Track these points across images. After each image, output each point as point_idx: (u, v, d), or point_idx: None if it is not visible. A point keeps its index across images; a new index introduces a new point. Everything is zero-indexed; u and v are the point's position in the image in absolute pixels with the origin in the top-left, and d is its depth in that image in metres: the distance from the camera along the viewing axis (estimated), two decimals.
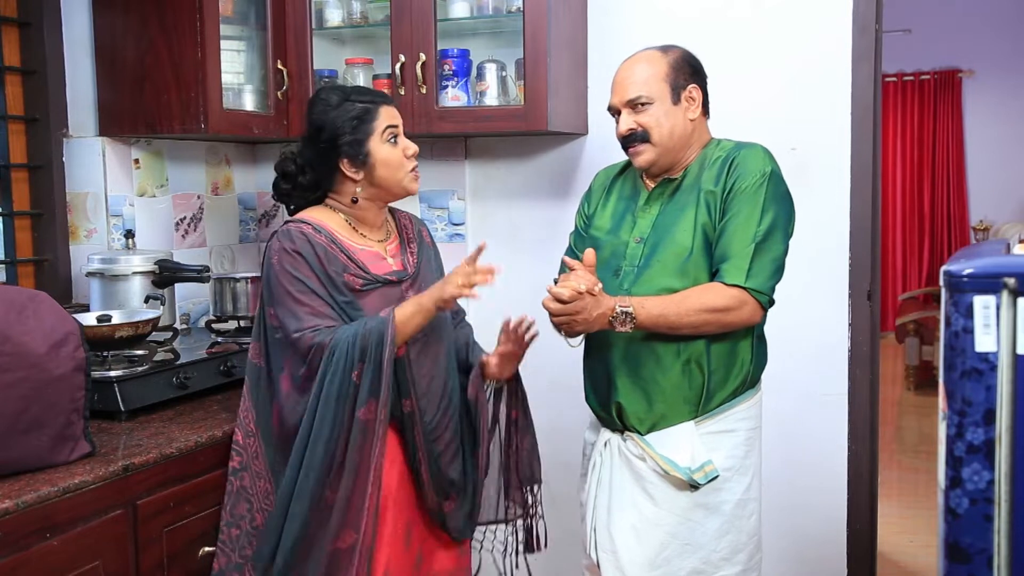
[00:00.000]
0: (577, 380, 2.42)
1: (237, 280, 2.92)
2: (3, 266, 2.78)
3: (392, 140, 2.17)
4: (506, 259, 3.26)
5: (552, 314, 2.13)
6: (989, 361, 1.37)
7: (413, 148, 2.21)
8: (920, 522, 4.42)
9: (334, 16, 3.14)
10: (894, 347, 7.91)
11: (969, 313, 1.38)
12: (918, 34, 8.57)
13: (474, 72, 3.02)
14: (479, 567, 2.50)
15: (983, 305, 1.37)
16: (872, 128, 2.94)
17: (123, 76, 2.81)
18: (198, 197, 3.20)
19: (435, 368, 2.21)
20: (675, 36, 3.04)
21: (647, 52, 2.28)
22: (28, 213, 2.86)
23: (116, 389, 2.26)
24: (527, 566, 2.49)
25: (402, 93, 2.88)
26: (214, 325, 2.97)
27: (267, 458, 2.14)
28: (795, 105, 2.98)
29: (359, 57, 3.20)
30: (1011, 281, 1.36)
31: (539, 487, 2.44)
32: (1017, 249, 1.51)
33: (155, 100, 2.77)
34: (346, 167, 2.15)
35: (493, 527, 2.44)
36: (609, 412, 2.27)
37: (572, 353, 2.37)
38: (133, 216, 2.94)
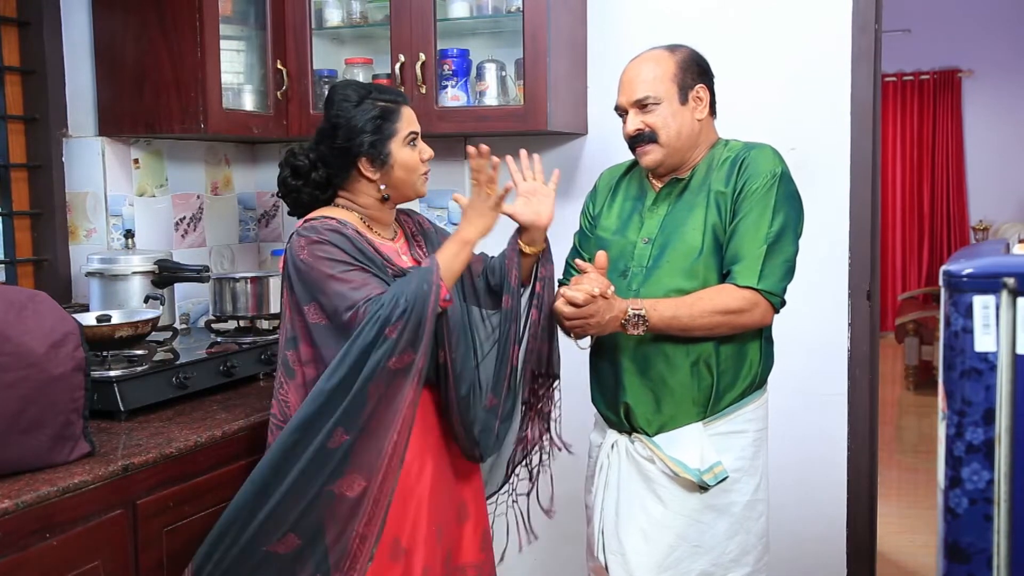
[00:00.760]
0: (580, 381, 2.41)
1: (237, 280, 2.91)
2: (3, 266, 2.78)
3: (412, 144, 2.17)
4: None
5: (565, 318, 2.12)
6: (988, 361, 1.37)
7: (430, 153, 2.20)
8: (920, 522, 4.42)
9: (334, 16, 3.14)
10: (893, 347, 7.91)
11: (969, 313, 1.38)
12: (918, 34, 8.57)
13: (474, 72, 3.02)
14: (503, 554, 2.49)
15: (983, 305, 1.37)
16: (872, 128, 2.94)
17: (123, 76, 2.81)
18: (198, 197, 3.20)
19: (456, 313, 2.20)
20: (675, 36, 3.04)
21: (655, 51, 2.28)
22: (28, 213, 2.86)
23: (116, 389, 2.26)
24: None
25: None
26: (214, 325, 2.96)
27: None
28: (795, 105, 2.98)
29: (359, 57, 3.20)
30: (1010, 281, 1.36)
31: (557, 381, 2.41)
32: (1016, 249, 1.52)
33: (155, 100, 2.77)
34: (364, 166, 2.13)
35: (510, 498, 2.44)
36: (617, 413, 2.27)
37: (575, 354, 2.36)
38: (133, 216, 2.94)
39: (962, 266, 1.39)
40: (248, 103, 3.00)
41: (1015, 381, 1.36)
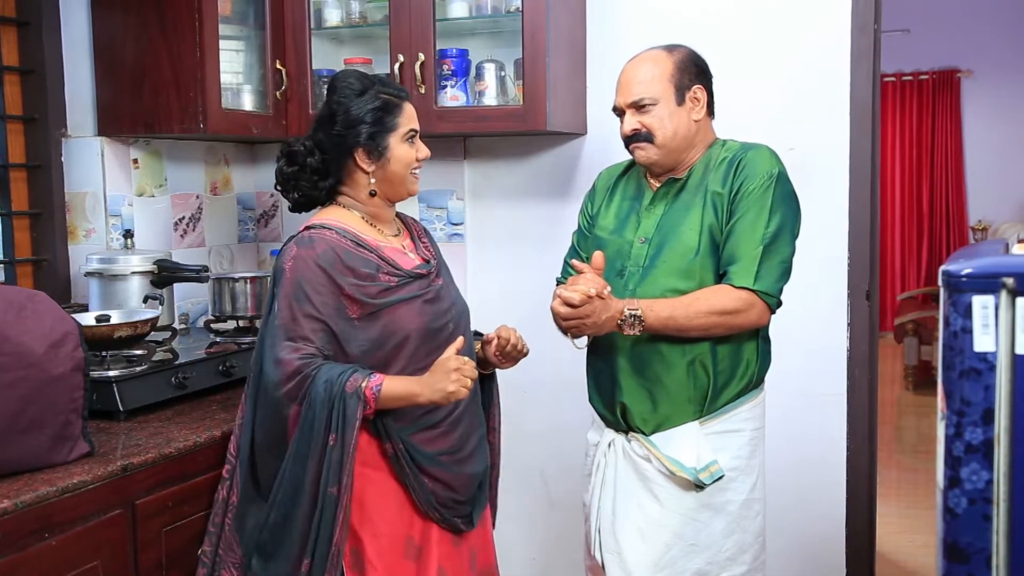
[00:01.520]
0: (578, 380, 2.42)
1: (236, 280, 2.92)
2: (2, 266, 2.78)
3: (410, 141, 2.16)
4: (505, 259, 3.28)
5: (561, 318, 2.12)
6: (988, 361, 1.37)
7: (426, 152, 2.19)
8: (919, 522, 4.42)
9: (333, 16, 3.14)
10: (893, 347, 7.91)
11: (968, 313, 1.38)
12: (917, 34, 8.57)
13: (473, 72, 3.02)
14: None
15: (982, 305, 1.37)
16: (871, 128, 2.94)
17: (122, 76, 2.81)
18: (197, 197, 3.20)
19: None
20: (674, 36, 3.04)
21: (652, 52, 2.28)
22: (27, 213, 2.85)
23: (115, 389, 2.26)
24: None
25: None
26: (213, 325, 2.97)
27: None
28: (794, 105, 2.98)
29: (358, 57, 3.20)
30: (1010, 281, 1.36)
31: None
32: (1016, 249, 1.51)
33: (154, 100, 2.77)
34: (361, 157, 2.11)
35: None
36: (614, 412, 2.27)
37: (573, 353, 2.36)
38: (132, 216, 2.94)
39: (961, 266, 1.39)
40: (247, 103, 3.00)
41: (1014, 381, 1.36)
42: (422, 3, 2.87)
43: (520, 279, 3.24)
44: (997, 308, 1.36)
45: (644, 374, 2.21)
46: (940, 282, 1.43)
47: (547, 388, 3.20)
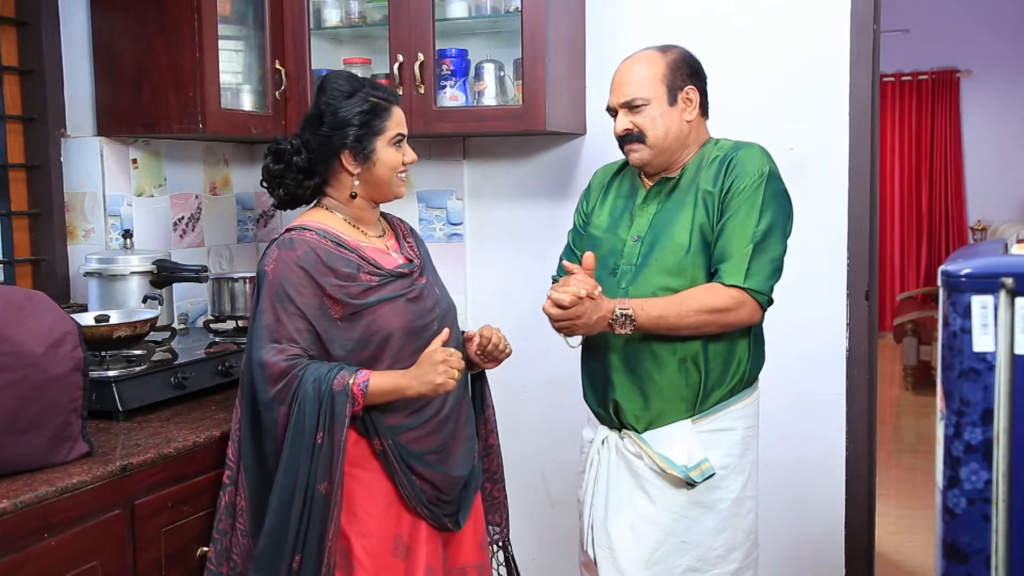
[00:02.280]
0: (575, 378, 2.42)
1: (235, 280, 2.92)
2: (1, 266, 2.78)
3: (397, 145, 2.17)
4: (505, 259, 3.28)
5: (553, 319, 2.13)
6: (987, 361, 1.37)
7: (413, 156, 2.20)
8: (918, 522, 4.42)
9: (332, 16, 3.14)
10: (892, 347, 7.91)
11: (967, 313, 1.38)
12: (916, 34, 8.58)
13: (472, 72, 3.02)
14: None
15: (981, 305, 1.37)
16: (870, 128, 2.94)
17: (121, 76, 2.81)
18: (196, 197, 3.20)
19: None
20: (673, 36, 3.04)
21: (646, 52, 2.29)
22: (26, 213, 2.85)
23: (114, 389, 2.26)
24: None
25: (400, 93, 2.88)
26: (212, 325, 2.97)
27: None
28: (793, 105, 2.98)
29: (357, 57, 3.20)
30: (1009, 281, 1.36)
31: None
32: (1015, 249, 1.51)
33: (153, 100, 2.77)
34: (347, 158, 2.12)
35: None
36: (607, 410, 2.28)
37: (572, 352, 2.37)
38: (131, 216, 2.94)
39: (960, 266, 1.39)
40: (247, 103, 3.00)
41: (1013, 381, 1.36)
42: (421, 3, 2.87)
43: (519, 279, 3.24)
44: (996, 308, 1.37)
45: (636, 372, 2.22)
46: (939, 282, 1.43)
47: (547, 388, 3.20)
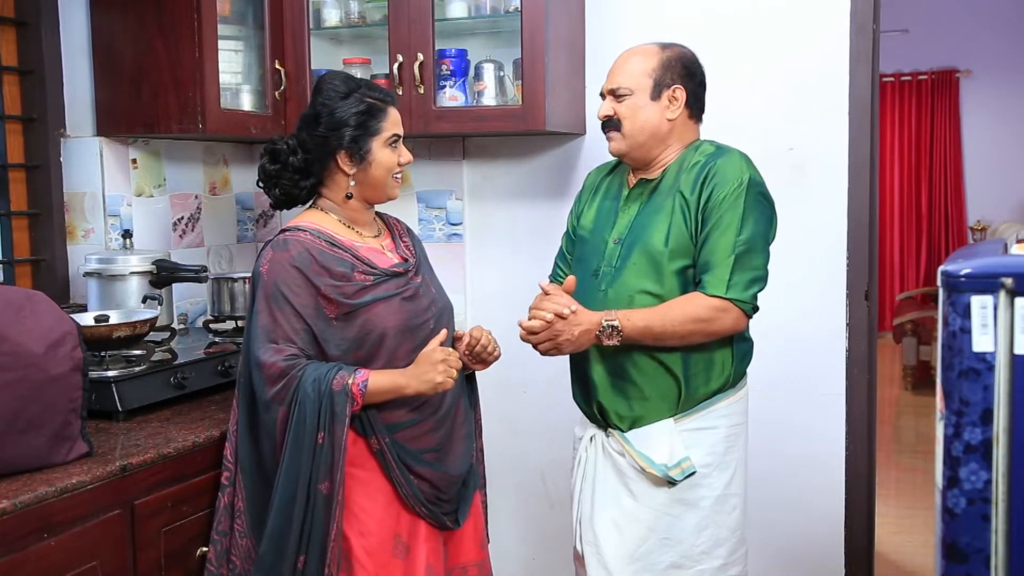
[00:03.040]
0: (568, 376, 2.43)
1: (235, 280, 2.92)
2: (1, 266, 2.78)
3: (393, 146, 2.17)
4: (504, 259, 3.28)
5: (533, 344, 2.17)
6: (986, 361, 1.38)
7: (408, 157, 2.21)
8: (918, 522, 4.42)
9: (332, 16, 3.14)
10: (891, 347, 7.91)
11: (966, 313, 1.38)
12: (915, 34, 8.58)
13: (472, 72, 3.02)
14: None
15: (980, 305, 1.37)
16: (870, 128, 2.94)
17: (121, 76, 2.81)
18: (196, 197, 3.20)
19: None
20: (673, 36, 3.04)
21: (646, 46, 2.31)
22: (26, 213, 2.85)
23: (114, 389, 2.26)
24: None
25: (400, 93, 2.88)
26: (212, 325, 2.97)
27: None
28: (793, 105, 2.98)
29: (357, 57, 3.20)
30: (1008, 281, 1.36)
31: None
32: (1014, 249, 1.51)
33: (153, 100, 2.77)
34: (342, 159, 2.13)
35: None
36: (592, 410, 2.32)
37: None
38: (131, 216, 2.94)
39: (960, 266, 1.40)
40: (246, 103, 3.00)
41: (1013, 381, 1.36)
42: (421, 3, 2.87)
43: (519, 279, 3.23)
44: (996, 308, 1.37)
45: (618, 375, 2.25)
46: (939, 282, 1.43)
47: (546, 387, 3.20)
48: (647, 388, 2.23)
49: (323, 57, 3.20)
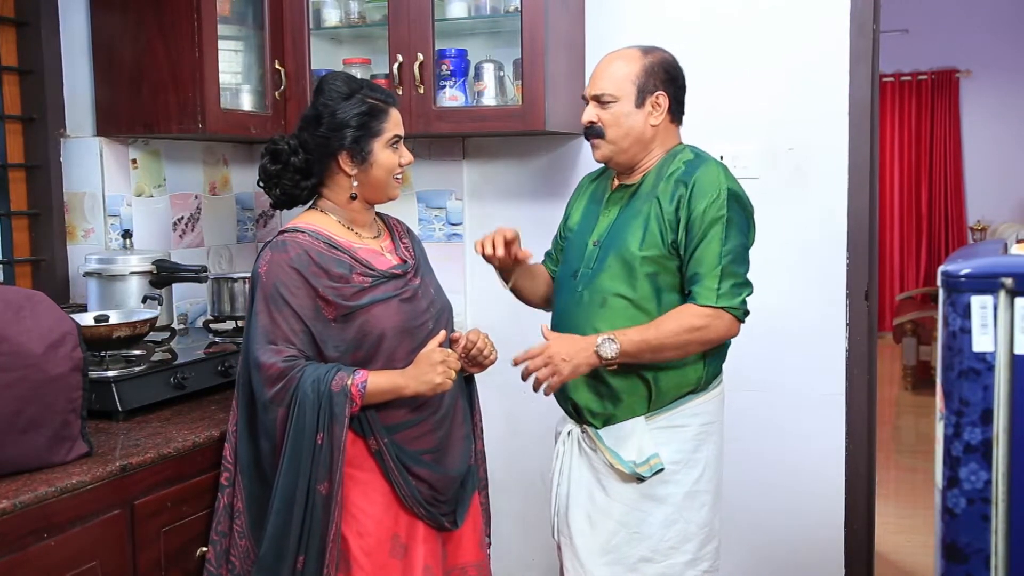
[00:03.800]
0: None
1: (235, 280, 2.91)
2: (1, 266, 2.78)
3: (394, 146, 2.18)
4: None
5: (528, 372, 2.20)
6: (986, 361, 1.38)
7: (409, 158, 2.21)
8: (917, 522, 4.42)
9: (332, 16, 3.14)
10: (891, 347, 7.91)
11: (966, 313, 1.38)
12: (915, 34, 8.58)
13: (472, 72, 3.02)
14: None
15: (980, 305, 1.37)
16: (870, 128, 2.94)
17: (121, 76, 2.81)
18: (196, 197, 3.20)
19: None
20: (673, 36, 3.04)
21: (628, 50, 2.33)
22: (25, 213, 2.85)
23: (114, 389, 2.26)
24: None
25: (400, 93, 2.88)
26: (212, 325, 2.96)
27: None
28: (793, 105, 2.98)
29: (357, 57, 3.20)
30: (1008, 281, 1.36)
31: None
32: (1014, 249, 1.52)
33: (153, 100, 2.77)
34: (344, 160, 2.13)
35: None
36: (568, 407, 2.37)
37: None
38: (131, 216, 2.94)
39: (960, 266, 1.40)
40: (246, 103, 3.00)
41: (1013, 381, 1.36)
42: (421, 3, 2.87)
43: None
44: (996, 308, 1.37)
45: (591, 375, 2.27)
46: (939, 282, 1.43)
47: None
48: (619, 388, 2.26)
49: (323, 57, 3.20)
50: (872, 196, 2.98)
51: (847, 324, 2.98)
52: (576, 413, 2.35)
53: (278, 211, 3.48)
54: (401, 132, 2.19)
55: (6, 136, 2.80)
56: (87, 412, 2.00)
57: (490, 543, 2.44)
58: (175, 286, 2.83)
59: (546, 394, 2.24)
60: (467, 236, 3.29)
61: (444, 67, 2.97)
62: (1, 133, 2.79)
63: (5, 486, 1.81)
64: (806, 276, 2.98)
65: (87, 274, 2.70)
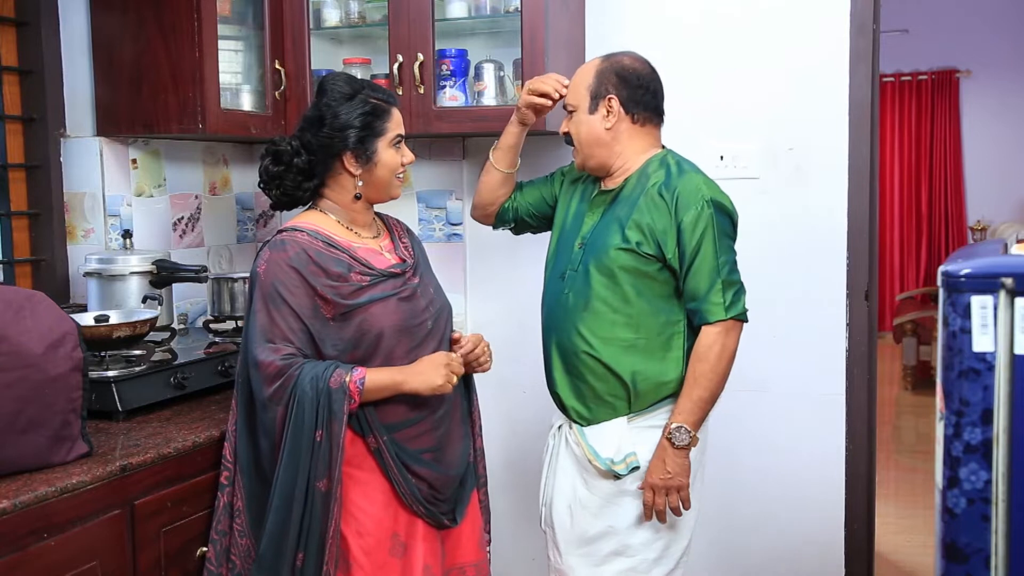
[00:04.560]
0: None
1: (235, 280, 2.91)
2: (1, 266, 2.78)
3: (396, 146, 2.18)
4: (504, 259, 3.27)
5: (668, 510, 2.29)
6: (986, 361, 1.38)
7: (411, 157, 2.23)
8: (917, 522, 4.42)
9: (332, 16, 3.14)
10: (891, 347, 7.91)
11: (967, 313, 1.38)
12: (915, 34, 8.58)
13: (472, 72, 3.02)
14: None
15: (980, 305, 1.37)
16: (870, 128, 2.94)
17: (121, 76, 2.81)
18: (196, 197, 3.20)
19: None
20: (673, 36, 3.05)
21: (593, 59, 2.40)
22: (25, 213, 2.85)
23: (114, 389, 2.26)
24: None
25: (400, 93, 2.88)
26: (212, 325, 2.96)
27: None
28: (793, 105, 2.98)
29: (357, 57, 3.20)
30: (1008, 281, 1.36)
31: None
32: (1014, 249, 1.52)
33: (153, 100, 2.77)
34: (348, 160, 2.14)
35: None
36: (555, 402, 2.43)
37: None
38: (131, 216, 2.94)
39: (960, 266, 1.40)
40: (246, 103, 3.00)
41: (1013, 381, 1.36)
42: (421, 3, 2.87)
43: (518, 278, 3.24)
44: (996, 308, 1.37)
45: (573, 374, 2.34)
46: (939, 282, 1.43)
47: (546, 388, 3.20)
48: (600, 389, 2.30)
49: (323, 57, 3.20)
50: (872, 196, 2.98)
51: (847, 324, 2.98)
52: (562, 409, 2.40)
53: (278, 211, 3.48)
54: (402, 131, 2.20)
55: (6, 136, 2.80)
56: (87, 412, 2.00)
57: (490, 541, 2.44)
58: (175, 286, 2.83)
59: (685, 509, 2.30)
60: (467, 236, 3.29)
61: (444, 67, 2.96)
62: (1, 133, 2.79)
63: (5, 486, 1.81)
64: (806, 276, 2.98)
65: (87, 274, 2.70)
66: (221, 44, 2.79)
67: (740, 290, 2.28)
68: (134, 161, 2.95)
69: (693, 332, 2.29)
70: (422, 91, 2.89)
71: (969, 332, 1.38)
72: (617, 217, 2.30)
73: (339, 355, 2.08)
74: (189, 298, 3.12)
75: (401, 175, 2.22)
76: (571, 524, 2.37)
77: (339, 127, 2.12)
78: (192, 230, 3.18)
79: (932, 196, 9.08)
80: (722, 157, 2.99)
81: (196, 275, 2.70)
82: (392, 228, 2.33)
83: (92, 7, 2.83)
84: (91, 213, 2.87)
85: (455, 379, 2.11)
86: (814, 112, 2.96)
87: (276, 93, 3.01)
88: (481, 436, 2.43)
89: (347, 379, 2.02)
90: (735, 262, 2.29)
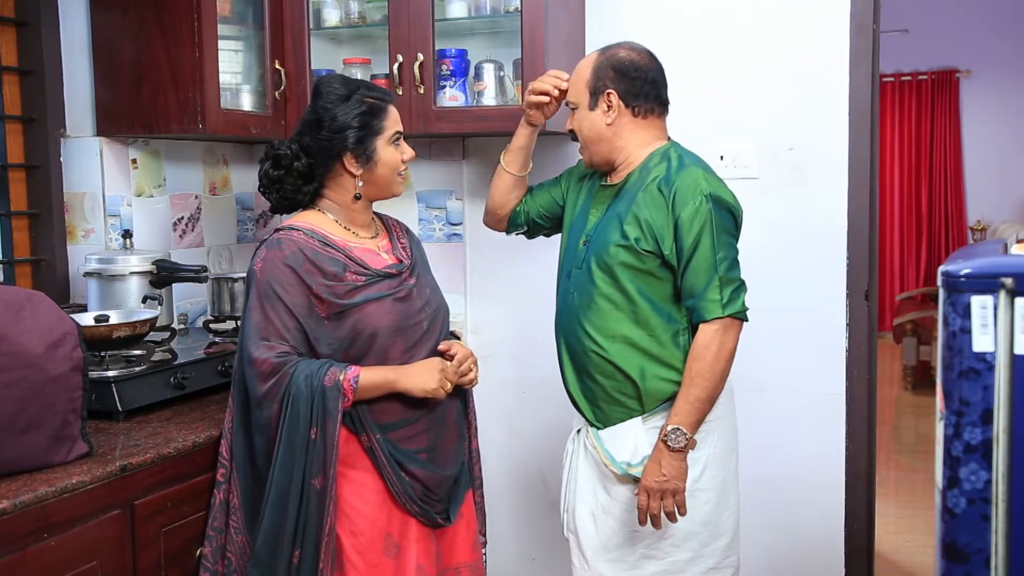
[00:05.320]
0: None
1: (235, 280, 2.92)
2: (1, 266, 2.78)
3: (395, 143, 2.19)
4: (504, 259, 3.27)
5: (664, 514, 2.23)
6: (986, 361, 1.38)
7: (411, 153, 2.23)
8: (917, 522, 4.42)
9: (332, 16, 3.14)
10: (891, 347, 7.91)
11: (967, 313, 1.38)
12: (915, 34, 8.58)
13: (472, 72, 3.02)
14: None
15: (980, 305, 1.37)
16: (870, 128, 2.94)
17: (121, 76, 2.81)
18: (196, 197, 3.20)
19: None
20: (673, 36, 3.05)
21: (590, 54, 2.38)
22: (25, 213, 2.85)
23: (114, 389, 2.26)
24: None
25: (400, 93, 2.88)
26: (212, 325, 2.96)
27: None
28: (793, 105, 2.98)
29: (357, 57, 3.19)
30: (1008, 281, 1.36)
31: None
32: (1014, 249, 1.51)
33: (153, 100, 2.77)
34: (349, 161, 2.14)
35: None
36: (573, 404, 2.40)
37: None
38: (131, 216, 2.94)
39: (960, 266, 1.40)
40: (246, 103, 3.00)
41: (1013, 381, 1.36)
42: (421, 3, 2.87)
43: (518, 279, 3.24)
44: (996, 308, 1.37)
45: (583, 374, 2.33)
46: (939, 282, 1.43)
47: (547, 388, 3.20)
48: (609, 387, 2.28)
49: (323, 57, 3.20)
50: (872, 196, 2.98)
51: (847, 324, 2.98)
52: (579, 411, 2.38)
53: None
54: (400, 128, 2.21)
55: (6, 136, 2.80)
56: (87, 412, 2.00)
57: (485, 542, 2.44)
58: (175, 286, 2.83)
59: (681, 515, 2.25)
60: (467, 236, 3.29)
61: (444, 67, 2.96)
62: (1, 133, 2.79)
63: (5, 486, 1.81)
64: (806, 276, 2.98)
65: (87, 274, 2.70)
66: (221, 44, 2.80)
67: (740, 288, 2.24)
68: (134, 161, 2.95)
69: (696, 331, 2.27)
70: (422, 91, 2.89)
71: (969, 332, 1.38)
72: (618, 213, 2.28)
73: (333, 354, 2.09)
74: (189, 298, 3.12)
75: (402, 172, 2.22)
76: (596, 531, 2.34)
77: (337, 128, 2.12)
78: (192, 230, 3.18)
79: (932, 196, 9.08)
80: (722, 157, 2.99)
81: (196, 275, 2.70)
82: (391, 228, 2.33)
83: (92, 7, 2.83)
84: (91, 213, 2.87)
85: (449, 387, 2.13)
86: (814, 112, 2.96)
87: (276, 93, 3.01)
88: (477, 438, 2.42)
89: (341, 377, 2.03)
90: (735, 259, 2.25)
